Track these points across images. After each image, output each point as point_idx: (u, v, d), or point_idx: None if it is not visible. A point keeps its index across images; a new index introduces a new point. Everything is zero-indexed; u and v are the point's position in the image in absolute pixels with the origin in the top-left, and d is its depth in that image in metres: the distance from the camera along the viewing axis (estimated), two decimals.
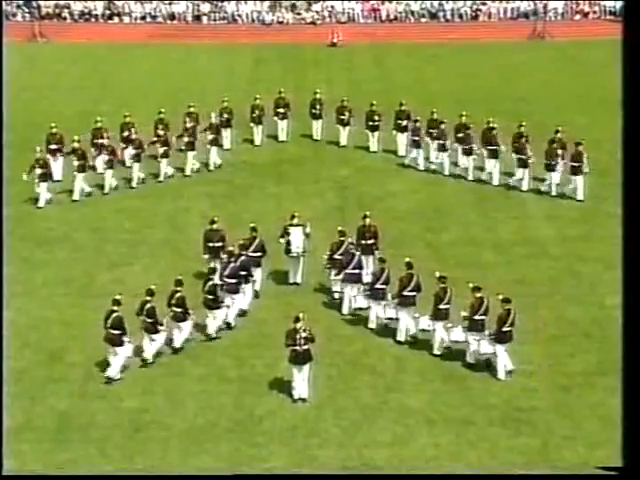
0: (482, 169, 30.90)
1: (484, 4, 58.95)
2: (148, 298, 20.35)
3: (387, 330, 21.63)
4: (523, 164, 29.76)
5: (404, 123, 33.09)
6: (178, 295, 20.87)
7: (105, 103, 39.73)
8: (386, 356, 20.79)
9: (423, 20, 58.62)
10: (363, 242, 23.64)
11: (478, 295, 20.16)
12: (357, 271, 22.42)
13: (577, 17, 58.61)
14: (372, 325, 21.88)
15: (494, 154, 30.51)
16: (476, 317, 20.02)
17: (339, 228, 23.60)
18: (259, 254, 23.19)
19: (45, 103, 40.42)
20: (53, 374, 20.14)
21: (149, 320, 20.37)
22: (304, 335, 19.05)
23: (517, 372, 20.00)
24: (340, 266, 22.54)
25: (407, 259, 21.59)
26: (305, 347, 19.07)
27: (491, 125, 31.13)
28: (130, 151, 31.03)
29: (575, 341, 21.40)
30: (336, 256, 22.83)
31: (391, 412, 18.80)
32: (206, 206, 28.92)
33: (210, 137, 32.02)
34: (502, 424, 18.40)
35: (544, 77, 45.09)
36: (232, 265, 21.86)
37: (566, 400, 19.19)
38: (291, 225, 23.74)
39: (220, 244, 23.54)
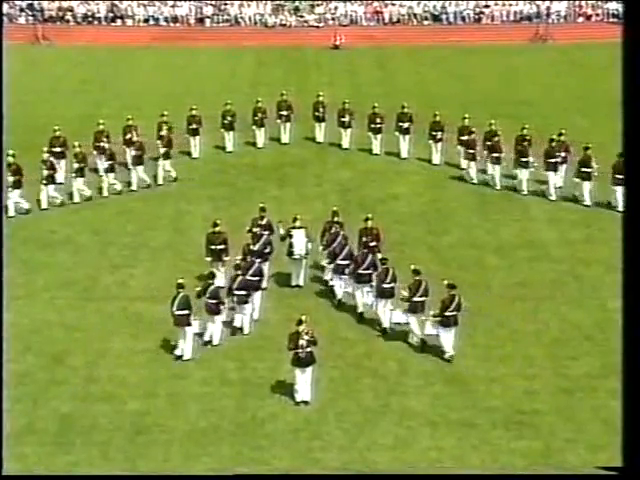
0: (484, 172, 31.04)
1: (487, 7, 58.97)
2: (210, 281, 21.13)
3: (389, 333, 21.65)
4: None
5: (405, 125, 33.12)
6: (240, 279, 21.37)
7: (107, 106, 39.76)
8: (388, 359, 20.79)
9: (426, 23, 58.62)
10: (365, 244, 23.65)
11: (417, 278, 21.04)
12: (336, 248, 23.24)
13: (580, 20, 58.59)
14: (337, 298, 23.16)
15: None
16: (415, 299, 20.87)
17: (333, 209, 24.57)
18: (268, 232, 23.89)
19: (47, 106, 40.44)
20: (55, 377, 20.13)
21: (213, 301, 20.93)
22: (307, 338, 19.04)
23: (519, 375, 20.04)
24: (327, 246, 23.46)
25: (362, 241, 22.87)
26: (308, 350, 19.07)
27: (493, 129, 31.15)
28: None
29: (577, 344, 21.39)
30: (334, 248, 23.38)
31: (393, 415, 18.80)
32: (208, 209, 28.93)
33: (162, 150, 31.07)
34: (504, 427, 18.39)
35: (547, 80, 45.10)
36: (255, 267, 22.21)
37: (568, 403, 19.18)
38: (293, 228, 23.77)
39: (222, 247, 23.60)
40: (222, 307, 21.28)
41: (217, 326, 21.24)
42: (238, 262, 21.99)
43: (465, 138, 31.32)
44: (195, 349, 20.80)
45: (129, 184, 30.62)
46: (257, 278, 22.11)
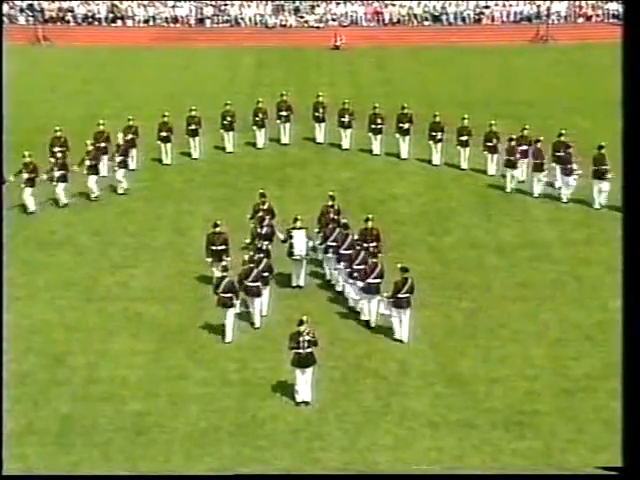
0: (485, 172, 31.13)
1: (487, 7, 58.97)
2: (252, 265, 21.87)
3: (390, 333, 21.66)
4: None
5: (405, 126, 33.11)
6: (265, 262, 22.36)
7: (108, 106, 39.76)
8: (389, 359, 20.79)
9: (426, 23, 58.63)
10: (365, 245, 23.67)
11: (374, 260, 21.99)
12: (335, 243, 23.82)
13: (580, 20, 58.59)
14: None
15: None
16: (369, 280, 21.62)
17: (330, 193, 25.52)
18: (269, 216, 24.59)
19: (47, 106, 40.44)
20: (56, 377, 20.13)
21: (255, 284, 21.76)
22: (307, 338, 19.04)
23: (520, 375, 20.06)
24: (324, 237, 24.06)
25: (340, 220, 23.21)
26: (308, 350, 19.07)
27: (494, 129, 31.17)
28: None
29: (578, 344, 21.38)
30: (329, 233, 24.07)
31: (394, 415, 18.80)
32: (209, 209, 28.94)
33: (118, 159, 30.18)
34: (505, 427, 18.39)
35: (547, 80, 45.08)
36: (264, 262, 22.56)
37: (569, 403, 19.17)
38: (294, 228, 23.79)
39: (223, 247, 23.62)
40: (262, 289, 22.01)
41: (258, 308, 22.01)
42: (260, 246, 22.85)
43: (464, 138, 31.21)
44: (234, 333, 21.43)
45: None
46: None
